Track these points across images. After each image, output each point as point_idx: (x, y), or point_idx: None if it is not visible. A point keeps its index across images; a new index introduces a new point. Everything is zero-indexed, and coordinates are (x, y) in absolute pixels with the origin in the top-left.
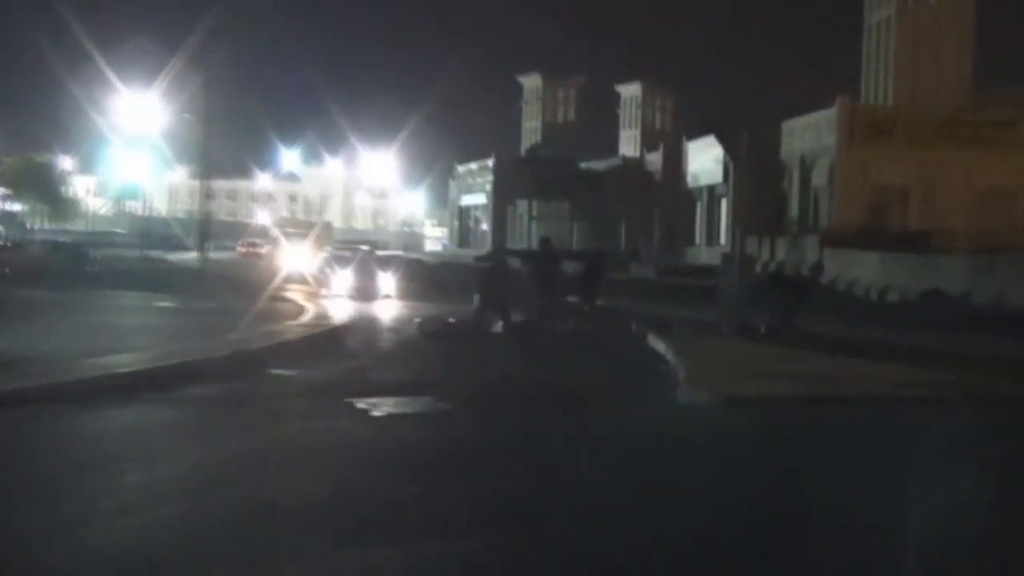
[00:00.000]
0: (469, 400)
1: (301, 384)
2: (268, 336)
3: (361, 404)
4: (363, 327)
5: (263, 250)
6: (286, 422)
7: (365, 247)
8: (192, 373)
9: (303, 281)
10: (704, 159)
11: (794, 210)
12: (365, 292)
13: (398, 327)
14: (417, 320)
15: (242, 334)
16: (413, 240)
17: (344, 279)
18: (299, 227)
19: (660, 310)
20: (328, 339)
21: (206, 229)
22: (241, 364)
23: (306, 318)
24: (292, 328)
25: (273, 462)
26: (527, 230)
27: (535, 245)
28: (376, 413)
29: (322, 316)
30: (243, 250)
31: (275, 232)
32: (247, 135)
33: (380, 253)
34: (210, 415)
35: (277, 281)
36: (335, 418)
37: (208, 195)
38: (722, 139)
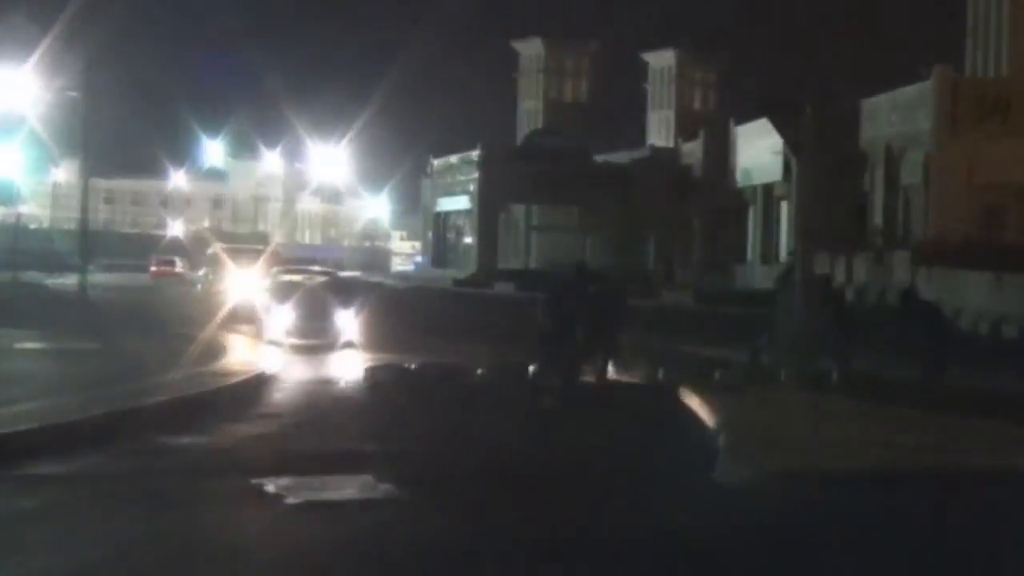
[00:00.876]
0: (428, 481)
1: (196, 456)
2: (160, 389)
3: (272, 486)
4: (295, 376)
5: (180, 269)
6: (163, 514)
7: (318, 269)
8: (47, 442)
9: (250, 319)
10: (758, 150)
11: (877, 217)
12: (316, 334)
13: (342, 376)
14: (366, 366)
15: (126, 386)
16: (376, 257)
17: (286, 317)
18: (245, 244)
19: (699, 350)
20: (244, 393)
21: (86, 243)
22: (117, 429)
23: (219, 364)
24: (198, 378)
25: None
26: (524, 243)
27: (535, 263)
28: (292, 500)
29: (242, 361)
30: (156, 270)
31: (217, 251)
32: (157, 122)
33: (341, 274)
34: (61, 504)
35: (211, 315)
36: (233, 508)
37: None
38: (779, 122)
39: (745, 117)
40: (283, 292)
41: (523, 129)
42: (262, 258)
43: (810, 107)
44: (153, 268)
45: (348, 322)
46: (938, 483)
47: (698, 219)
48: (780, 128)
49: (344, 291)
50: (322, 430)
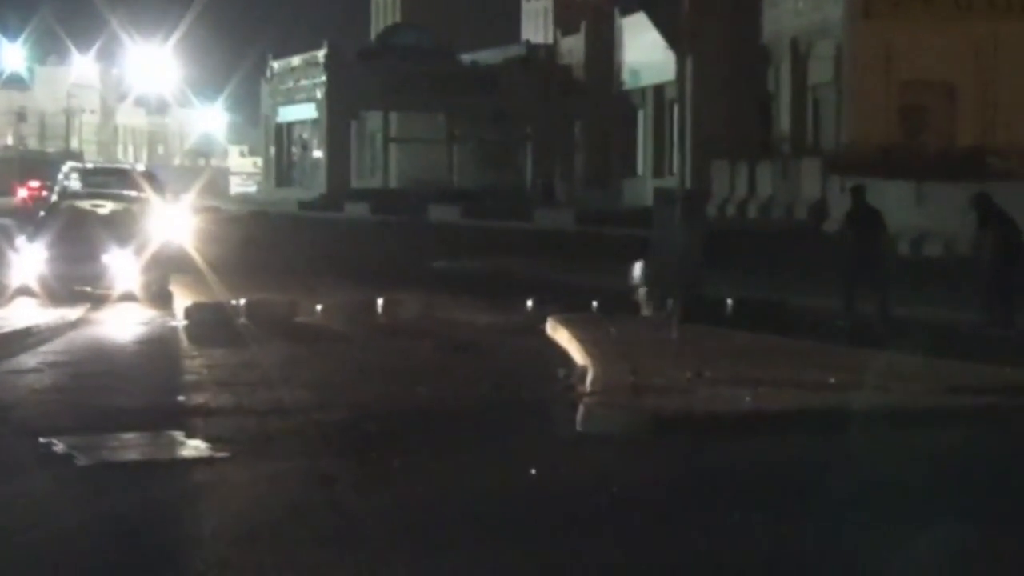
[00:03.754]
0: (246, 438)
1: None
2: None
3: (61, 446)
4: (103, 319)
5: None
6: None
7: (123, 194)
8: None
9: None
10: (647, 45)
11: (784, 121)
12: (80, 281)
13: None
14: (185, 306)
15: None
16: (211, 178)
17: (39, 257)
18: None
19: (576, 277)
20: (36, 336)
21: None
22: None
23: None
24: None
25: None
26: (382, 158)
27: (395, 182)
28: (84, 461)
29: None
30: (26, 195)
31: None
32: None
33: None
34: None
35: None
36: (12, 470)
37: None
38: (655, 10)
39: (633, 6)
40: (51, 225)
41: (377, 25)
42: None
43: None
44: (23, 192)
45: (129, 264)
46: (824, 424)
47: (580, 126)
48: (655, 17)
49: (134, 223)
50: (124, 380)
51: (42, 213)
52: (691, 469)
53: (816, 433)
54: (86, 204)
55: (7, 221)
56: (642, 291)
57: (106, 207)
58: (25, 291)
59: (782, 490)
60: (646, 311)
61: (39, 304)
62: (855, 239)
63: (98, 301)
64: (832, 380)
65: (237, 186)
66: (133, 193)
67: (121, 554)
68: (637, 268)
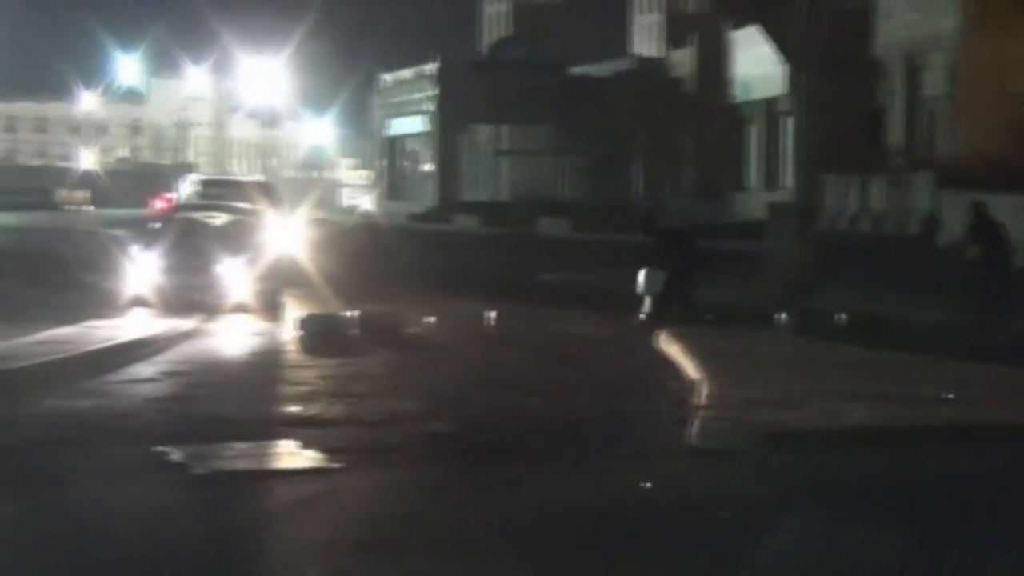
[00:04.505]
0: (362, 448)
1: (87, 422)
2: (53, 347)
3: (178, 455)
4: (217, 330)
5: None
6: (47, 490)
7: (240, 206)
8: None
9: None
10: (758, 59)
11: (896, 134)
12: (192, 291)
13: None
14: (298, 317)
15: (10, 344)
16: (322, 191)
17: (153, 267)
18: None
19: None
20: (151, 346)
21: None
22: None
23: (114, 316)
24: (93, 332)
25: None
26: (492, 170)
27: (505, 194)
28: (199, 470)
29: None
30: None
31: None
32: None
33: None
34: None
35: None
36: (127, 481)
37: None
38: (768, 23)
39: (744, 20)
40: (165, 236)
41: (488, 38)
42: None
43: (805, 3)
44: (158, 204)
45: (243, 275)
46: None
47: (691, 140)
48: (771, 30)
49: (249, 234)
50: (238, 390)
51: (156, 224)
52: (805, 483)
53: (933, 448)
54: (201, 215)
55: (122, 232)
56: (647, 300)
57: (221, 218)
58: (139, 301)
59: (901, 505)
60: (643, 317)
61: (153, 314)
62: (982, 254)
63: (211, 311)
64: (950, 395)
65: (347, 198)
66: (248, 205)
67: (238, 562)
68: (642, 276)
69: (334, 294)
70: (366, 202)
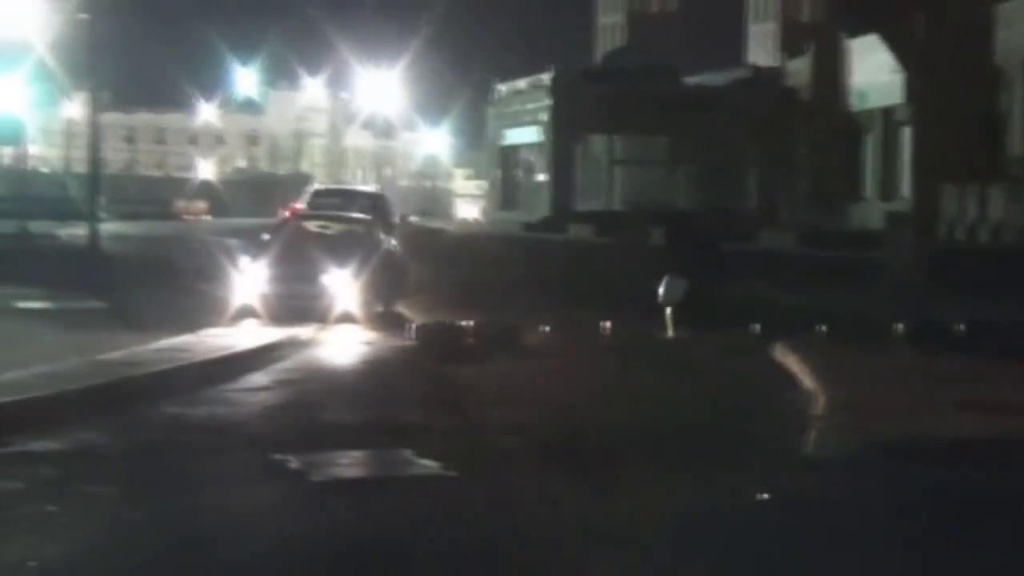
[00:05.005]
0: (478, 457)
1: (206, 429)
2: (172, 354)
3: (295, 463)
4: (329, 339)
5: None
6: (168, 495)
7: (355, 216)
8: (39, 412)
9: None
10: (875, 67)
11: (1016, 143)
12: (299, 299)
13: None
14: (413, 325)
15: (132, 351)
16: (435, 200)
17: (260, 276)
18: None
19: (801, 300)
20: (266, 355)
21: (96, 186)
22: (117, 400)
23: (233, 324)
24: (209, 340)
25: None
26: (607, 180)
27: (619, 204)
28: (317, 477)
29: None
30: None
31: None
32: (183, 48)
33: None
34: (53, 484)
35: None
36: (249, 487)
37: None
38: (887, 31)
39: (861, 28)
40: (275, 245)
41: (602, 48)
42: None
43: (923, 11)
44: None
45: (353, 285)
46: None
47: (806, 149)
48: (888, 38)
49: (359, 244)
50: (355, 399)
51: (265, 235)
52: (922, 494)
53: None
54: (312, 224)
55: (233, 241)
56: (668, 311)
57: (332, 227)
58: (248, 311)
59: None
60: (671, 331)
61: (263, 323)
62: None
63: (323, 320)
64: None
65: (461, 208)
66: (359, 215)
67: (357, 569)
68: (663, 286)
69: (448, 303)
70: (475, 211)
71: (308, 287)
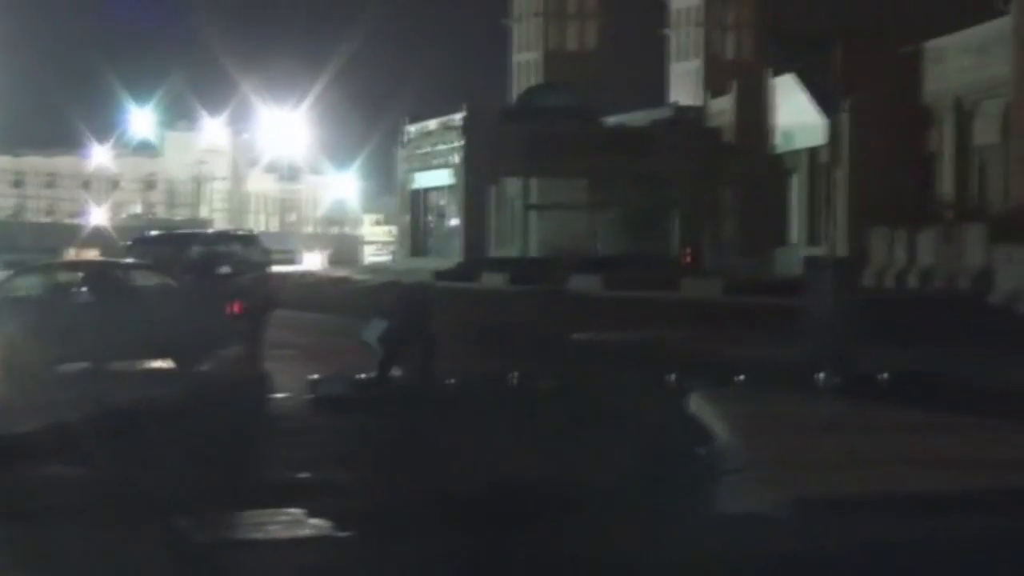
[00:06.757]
0: (373, 515)
1: (91, 491)
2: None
3: (179, 522)
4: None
5: None
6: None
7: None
8: None
9: None
10: (801, 107)
11: (946, 185)
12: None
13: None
14: (312, 377)
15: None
16: (343, 246)
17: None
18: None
19: (723, 349)
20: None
21: None
22: None
23: None
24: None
25: None
26: (522, 225)
27: (535, 250)
28: (201, 538)
29: None
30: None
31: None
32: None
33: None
34: None
35: None
36: (126, 548)
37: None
38: (804, 69)
39: (784, 66)
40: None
41: (518, 86)
42: None
43: (842, 47)
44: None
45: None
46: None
47: (731, 192)
48: (806, 78)
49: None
50: (243, 455)
51: None
52: (842, 551)
53: (985, 516)
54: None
55: None
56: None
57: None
58: None
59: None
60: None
61: None
62: None
63: None
64: (1003, 458)
65: (371, 255)
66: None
67: None
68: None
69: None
70: (385, 258)
71: None
